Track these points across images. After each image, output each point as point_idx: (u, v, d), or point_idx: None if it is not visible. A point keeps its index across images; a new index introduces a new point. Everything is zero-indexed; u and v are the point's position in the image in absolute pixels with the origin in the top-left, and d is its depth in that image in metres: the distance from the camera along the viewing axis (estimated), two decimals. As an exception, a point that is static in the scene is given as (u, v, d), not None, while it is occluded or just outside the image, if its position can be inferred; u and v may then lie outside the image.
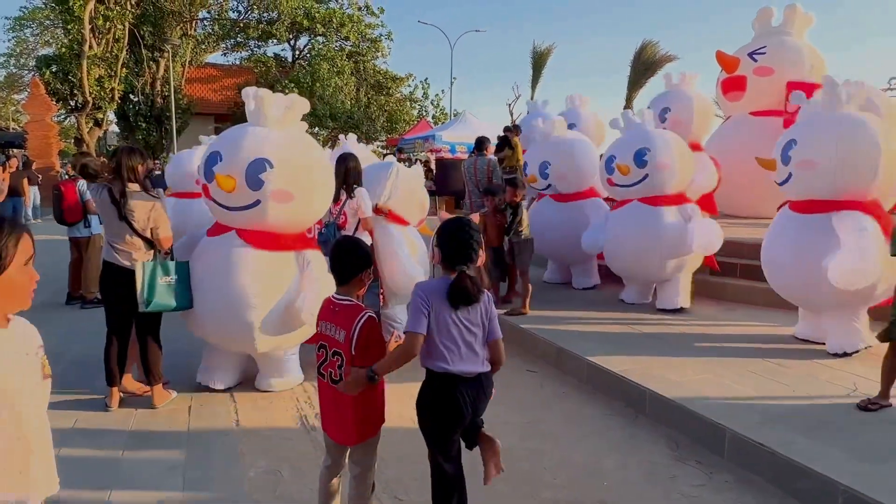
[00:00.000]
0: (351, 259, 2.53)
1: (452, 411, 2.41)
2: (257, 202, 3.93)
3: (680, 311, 6.11)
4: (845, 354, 4.69)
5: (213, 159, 4.01)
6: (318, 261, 4.26)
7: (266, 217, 4.01)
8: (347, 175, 4.95)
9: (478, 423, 2.58)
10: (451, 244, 2.42)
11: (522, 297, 6.14)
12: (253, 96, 4.18)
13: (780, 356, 4.74)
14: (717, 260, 6.51)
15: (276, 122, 4.17)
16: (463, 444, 2.60)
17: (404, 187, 5.44)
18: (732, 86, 9.96)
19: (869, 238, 4.39)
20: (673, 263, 6.06)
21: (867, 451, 3.20)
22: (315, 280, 4.06)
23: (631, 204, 6.25)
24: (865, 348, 4.73)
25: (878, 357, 4.66)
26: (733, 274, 6.78)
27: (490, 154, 9.25)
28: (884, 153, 4.49)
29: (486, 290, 2.44)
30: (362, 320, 2.43)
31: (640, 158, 6.03)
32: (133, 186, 4.01)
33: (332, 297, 2.57)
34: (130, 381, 4.37)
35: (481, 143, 9.61)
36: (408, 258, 5.11)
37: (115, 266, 4.01)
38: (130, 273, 3.95)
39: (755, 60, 9.71)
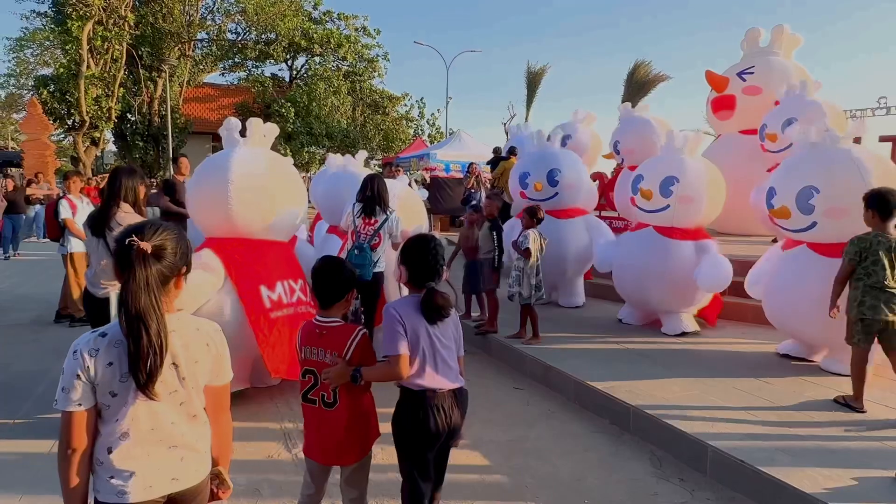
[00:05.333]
0: (336, 281, 2.45)
1: (429, 428, 2.40)
2: None
3: (684, 334, 5.92)
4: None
5: None
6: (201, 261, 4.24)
7: None
8: (379, 195, 4.99)
9: (451, 444, 2.57)
10: (419, 262, 2.44)
11: (493, 315, 6.09)
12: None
13: (767, 373, 4.74)
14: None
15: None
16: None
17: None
18: (722, 105, 10.08)
19: None
20: (678, 298, 5.83)
21: (847, 468, 3.20)
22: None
23: (646, 230, 6.04)
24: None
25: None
26: (721, 291, 6.79)
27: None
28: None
29: (454, 306, 2.46)
30: (357, 338, 2.41)
31: (666, 188, 5.71)
32: (125, 207, 3.97)
33: (316, 320, 2.47)
34: None
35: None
36: None
37: (88, 293, 3.97)
38: (98, 301, 3.87)
39: (744, 80, 9.84)
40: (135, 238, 1.61)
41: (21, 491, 3.22)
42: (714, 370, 4.84)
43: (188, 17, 28.66)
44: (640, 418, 4.01)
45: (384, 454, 3.65)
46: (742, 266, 6.95)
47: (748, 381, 4.55)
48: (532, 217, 5.65)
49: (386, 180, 5.43)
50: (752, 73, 9.82)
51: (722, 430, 3.68)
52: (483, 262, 6.00)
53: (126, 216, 3.93)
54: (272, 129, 4.72)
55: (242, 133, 4.61)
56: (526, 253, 5.48)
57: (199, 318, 1.84)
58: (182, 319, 1.75)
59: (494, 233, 5.89)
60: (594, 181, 10.91)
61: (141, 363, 1.59)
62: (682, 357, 5.24)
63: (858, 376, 4.00)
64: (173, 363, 1.69)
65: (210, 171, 4.49)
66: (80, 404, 1.62)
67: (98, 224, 3.92)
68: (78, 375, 1.62)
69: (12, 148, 33.81)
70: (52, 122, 22.79)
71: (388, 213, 5.04)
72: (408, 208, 5.90)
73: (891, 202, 3.93)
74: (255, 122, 4.62)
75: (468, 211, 6.64)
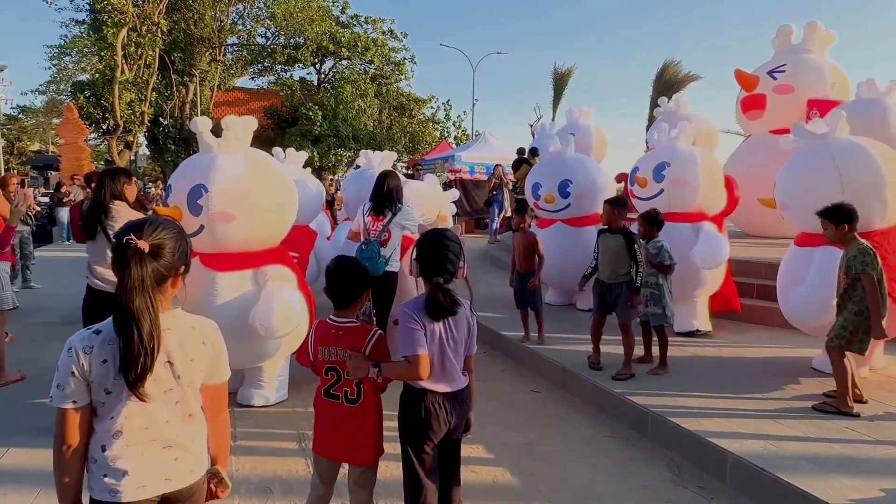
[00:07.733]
0: (351, 281, 2.46)
1: (427, 424, 2.38)
2: (201, 227, 3.95)
3: (695, 333, 5.88)
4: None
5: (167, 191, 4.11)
6: (279, 274, 4.22)
7: (215, 239, 4.02)
8: (389, 192, 5.00)
9: (455, 440, 2.53)
10: (427, 256, 2.38)
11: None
12: (200, 127, 4.22)
13: (792, 378, 4.59)
14: (733, 280, 6.31)
15: (224, 147, 4.15)
16: None
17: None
18: (752, 104, 9.84)
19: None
20: (682, 281, 5.52)
21: (873, 477, 3.07)
22: (269, 294, 4.00)
23: None
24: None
25: (891, 380, 4.54)
26: (750, 294, 6.62)
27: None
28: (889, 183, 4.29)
29: (464, 304, 2.41)
30: (374, 339, 2.42)
31: (658, 173, 5.86)
32: (119, 204, 4.07)
33: (331, 320, 2.48)
34: None
35: None
36: None
37: (94, 290, 4.02)
38: (105, 294, 3.90)
39: (775, 78, 9.59)
40: (132, 236, 1.59)
41: (39, 485, 3.28)
42: (737, 374, 4.71)
43: (219, 23, 29.18)
44: (658, 423, 3.91)
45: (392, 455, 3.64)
46: (771, 269, 6.76)
47: (772, 387, 4.41)
48: (652, 224, 4.91)
49: (412, 181, 5.35)
50: (783, 71, 9.56)
51: (743, 436, 3.57)
52: (612, 286, 4.80)
53: (121, 210, 4.05)
54: (248, 124, 4.30)
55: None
56: (668, 269, 4.76)
57: (195, 317, 1.81)
58: (178, 317, 1.74)
59: (632, 246, 4.67)
60: (619, 182, 10.75)
61: (132, 363, 1.58)
62: (705, 362, 5.11)
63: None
64: (168, 361, 1.67)
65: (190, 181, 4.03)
66: (74, 401, 1.62)
67: (91, 225, 4.02)
68: (72, 372, 1.61)
69: (52, 152, 34.81)
70: (87, 126, 23.39)
71: (395, 209, 5.01)
72: (434, 207, 5.93)
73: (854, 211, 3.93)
74: (235, 122, 4.24)
75: (514, 215, 6.07)
